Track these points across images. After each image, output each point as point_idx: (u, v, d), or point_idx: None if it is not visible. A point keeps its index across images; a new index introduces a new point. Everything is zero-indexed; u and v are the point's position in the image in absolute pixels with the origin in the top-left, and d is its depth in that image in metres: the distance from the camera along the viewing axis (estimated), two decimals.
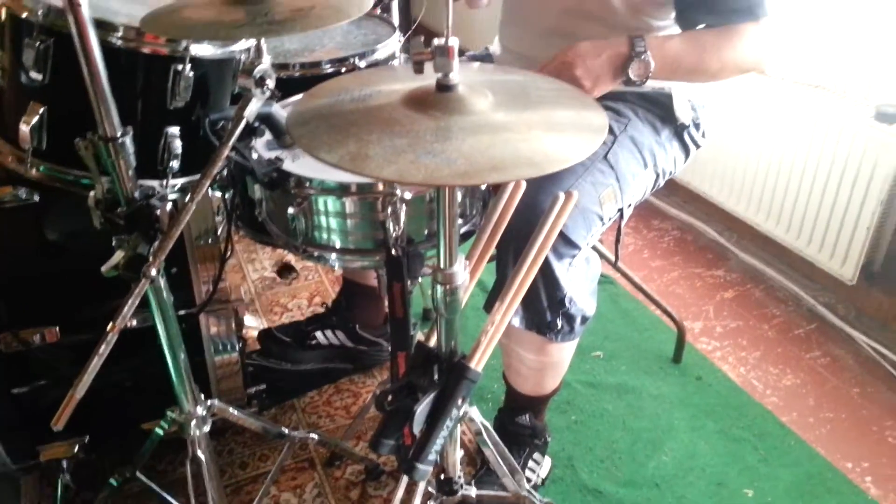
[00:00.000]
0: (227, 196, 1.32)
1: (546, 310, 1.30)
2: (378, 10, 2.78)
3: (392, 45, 1.77)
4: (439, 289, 1.00)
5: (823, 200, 1.98)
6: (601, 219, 1.34)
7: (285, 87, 1.31)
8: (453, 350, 1.04)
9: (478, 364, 1.07)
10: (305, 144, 0.82)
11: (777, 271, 2.23)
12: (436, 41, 0.87)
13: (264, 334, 1.89)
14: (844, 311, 2.08)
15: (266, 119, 1.12)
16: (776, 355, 1.97)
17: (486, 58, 1.66)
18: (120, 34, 1.03)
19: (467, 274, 1.02)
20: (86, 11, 0.86)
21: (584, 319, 1.37)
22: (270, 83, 1.01)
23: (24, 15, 1.03)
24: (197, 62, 1.11)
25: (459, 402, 1.01)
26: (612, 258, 1.64)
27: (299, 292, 2.24)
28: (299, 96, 1.40)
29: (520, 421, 1.54)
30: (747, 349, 1.99)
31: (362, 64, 1.65)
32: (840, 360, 1.96)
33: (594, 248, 1.42)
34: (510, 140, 0.81)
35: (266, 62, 1.01)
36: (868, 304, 2.04)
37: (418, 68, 0.88)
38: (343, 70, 1.64)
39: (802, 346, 2.00)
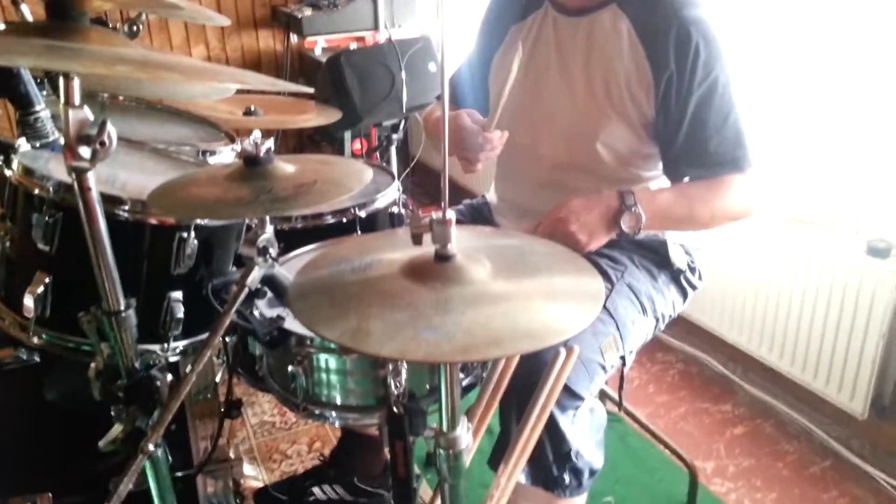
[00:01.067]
0: (227, 340, 1.31)
1: (552, 465, 1.27)
2: (377, 156, 2.90)
3: (391, 194, 1.82)
4: (442, 453, 0.98)
5: (825, 334, 1.98)
6: (603, 368, 1.33)
7: (288, 239, 1.34)
8: None
9: None
10: (306, 320, 0.83)
11: (786, 405, 2.19)
12: (434, 215, 0.90)
13: (260, 494, 1.82)
14: (859, 447, 2.02)
15: (268, 281, 1.14)
16: (793, 497, 1.90)
17: (483, 206, 1.71)
18: (127, 207, 1.07)
19: (470, 436, 1.00)
20: (94, 189, 0.89)
21: (592, 472, 1.33)
22: (273, 251, 1.03)
23: (36, 191, 1.07)
24: (201, 228, 1.14)
25: None
26: (617, 399, 1.62)
27: (299, 437, 2.19)
28: (302, 251, 1.44)
29: None
30: (762, 490, 1.92)
31: (363, 214, 1.69)
32: (860, 500, 1.89)
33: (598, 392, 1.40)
34: (509, 311, 0.82)
35: (269, 231, 1.03)
36: (881, 438, 1.98)
37: (417, 241, 0.90)
38: (344, 220, 1.68)
39: (819, 486, 1.94)
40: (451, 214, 0.88)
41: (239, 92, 1.64)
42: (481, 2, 1.64)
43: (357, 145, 3.32)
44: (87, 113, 0.81)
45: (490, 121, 1.37)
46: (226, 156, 1.50)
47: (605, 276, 1.42)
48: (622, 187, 1.34)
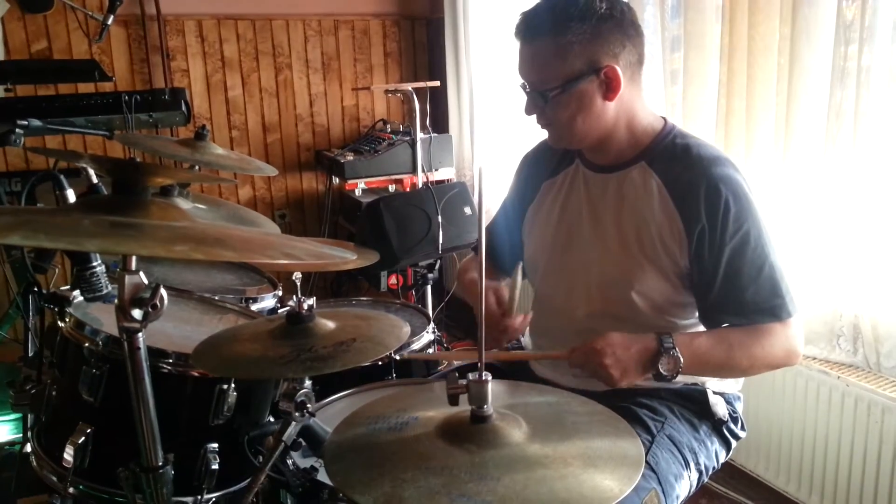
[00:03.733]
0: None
1: None
2: (413, 294, 2.95)
3: (427, 337, 1.85)
4: None
5: (881, 483, 1.88)
6: None
7: (322, 378, 1.36)
8: None
9: None
10: (340, 483, 0.83)
11: None
12: (470, 376, 0.91)
13: None
14: None
15: (304, 433, 1.14)
16: None
17: (515, 347, 1.71)
18: (171, 360, 1.10)
19: None
20: (143, 348, 0.93)
21: None
22: (311, 405, 1.04)
23: (86, 345, 1.11)
24: (241, 380, 1.16)
25: None
26: None
27: None
28: (337, 397, 1.44)
29: None
30: None
31: (398, 356, 1.71)
32: None
33: None
34: (546, 478, 0.81)
35: (307, 386, 1.05)
36: None
37: (454, 401, 0.91)
38: (380, 363, 1.70)
39: None
40: (487, 375, 0.89)
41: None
42: (516, 150, 1.71)
43: (393, 280, 3.39)
44: (142, 277, 0.86)
45: (510, 304, 1.39)
46: (268, 303, 1.55)
47: (646, 427, 1.39)
48: (659, 330, 1.33)
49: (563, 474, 0.82)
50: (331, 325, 1.00)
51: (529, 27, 1.37)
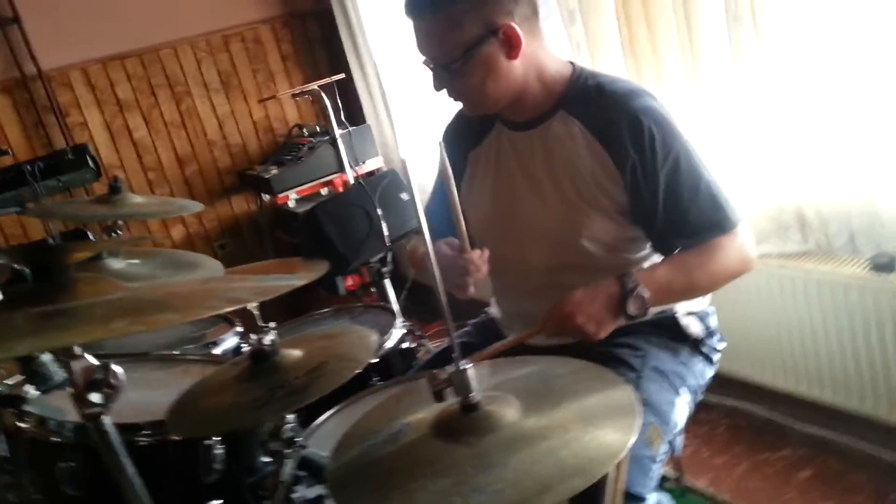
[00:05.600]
0: None
1: None
2: (374, 292, 2.91)
3: (397, 332, 1.82)
4: None
5: (859, 358, 1.94)
6: (655, 460, 1.29)
7: None
8: None
9: None
10: None
11: (845, 434, 2.12)
12: (448, 368, 0.89)
13: None
14: None
15: (303, 464, 1.12)
16: None
17: (488, 322, 1.70)
18: (146, 432, 1.05)
19: None
20: (111, 430, 0.89)
21: None
22: (299, 438, 1.02)
23: (54, 439, 1.06)
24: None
25: None
26: (675, 478, 1.57)
27: None
28: (325, 416, 1.41)
29: None
30: None
31: (375, 359, 1.69)
32: None
33: None
34: (551, 450, 0.80)
35: (290, 419, 1.02)
36: None
37: (440, 398, 0.89)
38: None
39: None
40: (466, 364, 0.88)
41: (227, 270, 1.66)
42: (437, 122, 1.68)
43: (350, 282, 3.35)
44: (90, 359, 0.82)
45: (462, 242, 1.37)
46: (230, 342, 1.50)
47: (628, 365, 1.40)
48: (619, 272, 1.34)
49: (566, 441, 0.81)
50: (297, 353, 0.97)
51: (418, 4, 1.35)
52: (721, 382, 2.36)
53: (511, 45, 1.33)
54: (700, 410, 2.39)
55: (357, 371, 0.92)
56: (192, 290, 0.76)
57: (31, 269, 0.80)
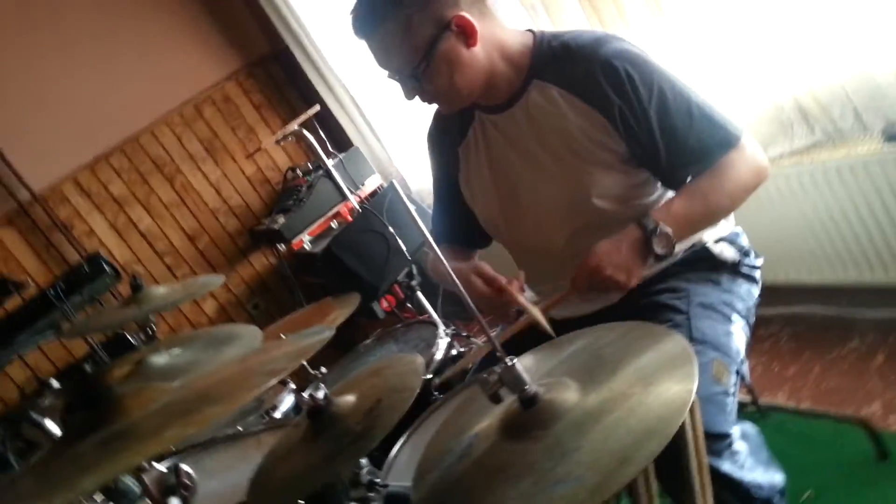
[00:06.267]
0: None
1: None
2: (411, 308, 2.92)
3: (443, 341, 1.83)
4: None
5: (884, 224, 1.90)
6: (728, 393, 1.28)
7: None
8: None
9: None
10: None
11: None
12: (496, 369, 0.89)
13: None
14: None
15: (390, 501, 1.12)
16: None
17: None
18: None
19: None
20: None
21: (781, 492, 1.26)
22: (378, 478, 1.03)
23: None
24: None
25: None
26: (752, 402, 1.56)
27: None
28: (397, 449, 1.41)
29: None
30: None
31: (430, 375, 1.69)
32: None
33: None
34: (619, 421, 0.80)
35: (364, 462, 1.03)
36: None
37: (496, 400, 0.89)
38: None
39: None
40: (512, 360, 0.87)
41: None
42: (421, 120, 1.66)
43: (385, 304, 3.36)
44: (159, 467, 0.83)
45: (493, 278, 1.35)
46: (287, 401, 1.52)
47: (675, 308, 1.39)
48: (637, 217, 1.33)
49: (631, 407, 0.81)
50: (351, 399, 0.98)
51: (364, 23, 1.35)
52: (771, 294, 2.33)
53: (466, 34, 1.32)
54: (758, 328, 2.37)
55: (412, 399, 0.93)
56: (232, 374, 0.78)
57: (75, 399, 0.82)
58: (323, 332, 0.85)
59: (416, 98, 1.41)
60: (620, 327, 0.99)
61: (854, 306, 2.21)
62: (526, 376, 0.88)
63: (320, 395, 0.98)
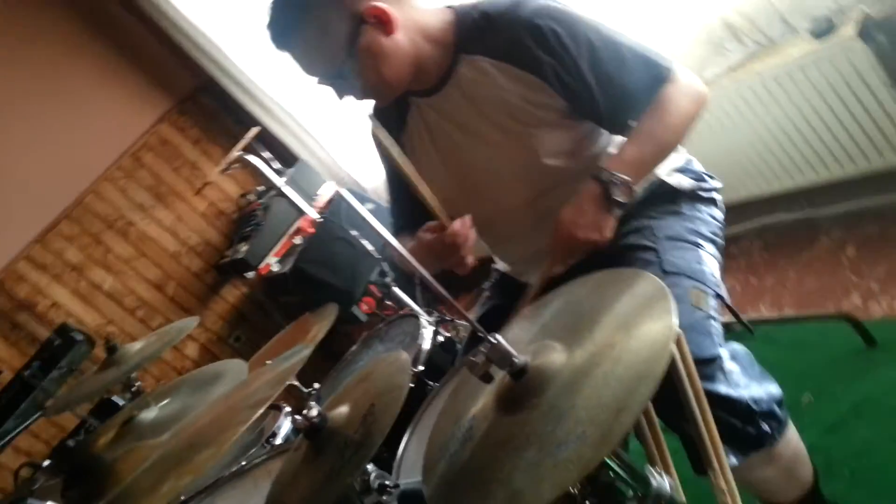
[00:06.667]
0: None
1: (745, 429, 1.22)
2: (391, 304, 2.91)
3: (428, 331, 1.82)
4: None
5: (845, 122, 1.93)
6: (710, 317, 1.30)
7: None
8: None
9: None
10: None
11: (865, 197, 2.12)
12: (482, 348, 0.89)
13: None
14: None
15: (404, 500, 1.12)
16: None
17: (503, 278, 1.69)
18: None
19: (667, 478, 0.96)
20: None
21: (780, 402, 1.28)
22: (389, 480, 1.02)
23: None
24: None
25: None
26: (737, 321, 1.58)
27: None
28: (403, 447, 1.41)
29: None
30: None
31: (421, 367, 1.69)
32: None
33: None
34: (608, 373, 0.80)
35: (371, 468, 1.02)
36: None
37: (487, 379, 0.89)
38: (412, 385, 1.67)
39: None
40: (497, 337, 0.87)
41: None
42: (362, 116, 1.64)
43: (365, 307, 3.35)
44: None
45: (439, 218, 1.36)
46: (286, 426, 1.51)
47: (643, 247, 1.40)
48: (591, 172, 1.33)
49: (617, 356, 0.81)
50: (344, 409, 0.98)
51: (281, 34, 1.33)
52: (736, 212, 2.37)
53: (384, 23, 1.31)
54: (730, 247, 2.38)
55: (404, 397, 0.92)
56: (218, 414, 0.76)
57: (68, 474, 0.81)
58: (301, 352, 0.83)
59: (351, 97, 1.40)
60: (591, 280, 1.00)
61: (816, 206, 2.25)
62: (512, 349, 0.88)
63: (314, 413, 0.97)
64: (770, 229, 2.37)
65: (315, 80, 1.38)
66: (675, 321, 0.81)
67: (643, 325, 0.83)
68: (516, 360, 0.87)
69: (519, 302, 1.42)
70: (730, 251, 2.38)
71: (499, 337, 0.87)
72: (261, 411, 0.71)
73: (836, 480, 1.60)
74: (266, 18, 1.33)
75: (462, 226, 1.35)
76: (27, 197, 3.33)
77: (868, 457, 1.58)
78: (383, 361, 1.07)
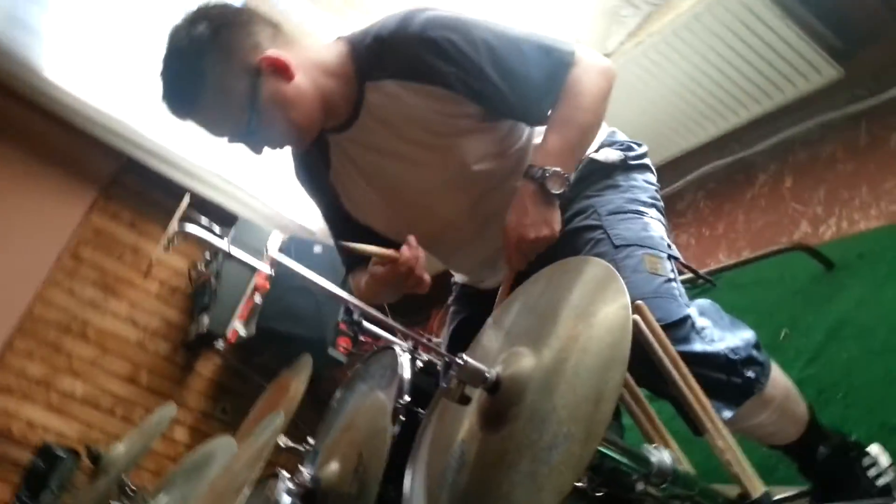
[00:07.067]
0: None
1: (730, 381, 1.23)
2: (368, 338, 2.89)
3: (405, 358, 1.80)
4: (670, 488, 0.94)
5: (753, 60, 1.98)
6: (670, 280, 1.31)
7: None
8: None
9: (758, 489, 0.99)
10: None
11: (790, 127, 2.16)
12: (452, 371, 0.88)
13: None
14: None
15: None
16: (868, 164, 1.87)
17: (465, 289, 1.69)
18: None
19: (667, 452, 0.97)
20: None
21: (757, 346, 1.30)
22: None
23: None
24: None
25: None
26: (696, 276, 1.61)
27: None
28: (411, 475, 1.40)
29: (823, 457, 1.41)
30: (850, 201, 1.89)
31: (408, 398, 1.66)
32: None
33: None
34: (577, 365, 0.80)
35: None
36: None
37: (465, 401, 0.89)
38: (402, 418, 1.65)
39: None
40: (463, 357, 0.87)
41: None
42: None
43: (342, 347, 3.32)
44: None
45: (385, 255, 1.35)
46: (283, 494, 1.48)
47: (589, 228, 1.40)
48: (523, 171, 1.33)
49: (583, 347, 0.81)
50: (335, 466, 0.96)
51: (179, 105, 1.31)
52: (672, 169, 2.42)
53: (281, 69, 1.30)
54: (675, 204, 2.44)
55: (390, 439, 0.91)
56: (210, 500, 0.74)
57: None
58: (273, 422, 0.82)
59: (267, 150, 1.39)
60: (542, 276, 1.00)
61: (746, 146, 2.30)
62: (482, 366, 0.88)
63: (306, 477, 0.95)
64: (709, 178, 2.41)
65: (226, 140, 1.36)
66: (628, 298, 0.81)
67: (600, 311, 0.84)
68: (488, 375, 0.87)
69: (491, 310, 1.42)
70: (676, 208, 2.43)
71: (465, 357, 0.87)
72: (246, 493, 0.69)
73: (830, 407, 1.63)
74: (160, 91, 1.31)
75: (410, 250, 1.34)
76: None
77: (855, 376, 1.62)
78: (362, 408, 1.06)
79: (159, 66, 1.31)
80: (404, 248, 1.34)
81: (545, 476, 0.74)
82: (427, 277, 1.38)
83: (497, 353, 0.95)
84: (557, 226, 1.31)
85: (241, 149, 1.39)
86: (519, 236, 1.28)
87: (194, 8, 1.30)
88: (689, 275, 1.64)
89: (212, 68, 1.27)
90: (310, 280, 1.91)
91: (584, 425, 0.74)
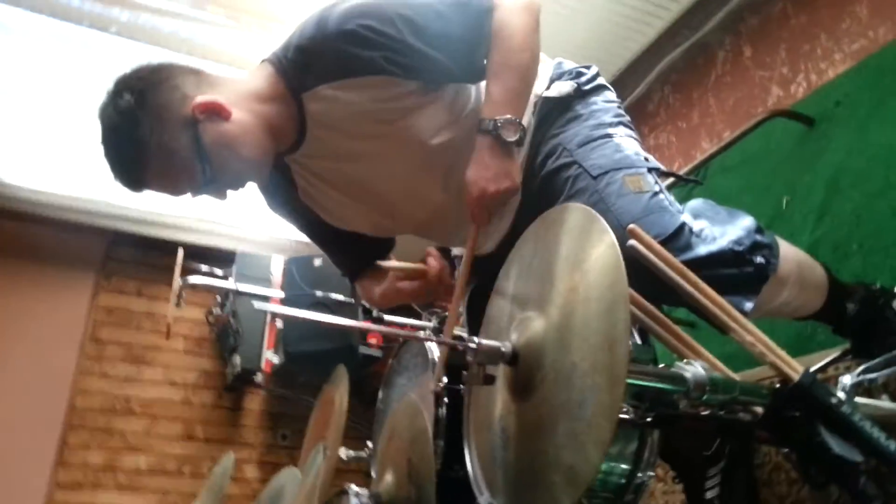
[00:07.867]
0: None
1: (742, 272, 1.24)
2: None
3: (434, 345, 1.81)
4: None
5: None
6: (656, 193, 1.30)
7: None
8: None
9: (797, 371, 1.00)
10: None
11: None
12: (469, 358, 0.89)
13: None
14: None
15: None
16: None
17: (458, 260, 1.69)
18: None
19: (700, 365, 0.97)
20: None
21: (759, 230, 1.29)
22: None
23: None
24: None
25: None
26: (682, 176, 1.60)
27: None
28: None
29: (853, 313, 1.42)
30: (812, 52, 1.86)
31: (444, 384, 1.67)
32: None
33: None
34: (585, 315, 0.80)
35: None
36: None
37: (490, 381, 0.90)
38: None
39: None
40: (476, 340, 0.87)
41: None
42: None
43: (372, 341, 3.34)
44: None
45: (412, 265, 1.37)
46: None
47: (563, 166, 1.39)
48: (477, 127, 1.32)
49: (585, 296, 0.82)
50: (390, 477, 0.98)
51: (130, 178, 1.31)
52: (630, 77, 2.38)
53: (215, 112, 1.29)
54: (645, 107, 2.41)
55: (431, 437, 0.92)
56: None
57: None
58: (318, 456, 0.83)
59: (230, 194, 1.39)
60: (529, 235, 1.00)
61: (697, 28, 2.26)
62: (495, 343, 0.88)
63: (364, 498, 0.97)
64: (669, 71, 2.38)
65: (188, 197, 1.36)
66: (612, 236, 0.81)
67: (591, 255, 0.84)
68: (504, 350, 0.87)
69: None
70: (647, 110, 2.40)
71: (476, 339, 0.88)
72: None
73: (850, 259, 1.62)
74: (110, 172, 1.30)
75: (436, 261, 1.37)
76: (21, 434, 3.28)
77: (865, 224, 1.61)
78: (399, 411, 1.07)
79: (101, 149, 1.30)
80: (430, 261, 1.37)
81: (584, 432, 0.75)
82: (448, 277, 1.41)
83: (508, 322, 0.95)
84: (518, 177, 1.29)
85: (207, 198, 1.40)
86: (480, 190, 1.26)
87: (112, 83, 1.28)
88: (674, 180, 1.63)
89: (150, 134, 1.26)
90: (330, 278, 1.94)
91: (605, 372, 0.74)
